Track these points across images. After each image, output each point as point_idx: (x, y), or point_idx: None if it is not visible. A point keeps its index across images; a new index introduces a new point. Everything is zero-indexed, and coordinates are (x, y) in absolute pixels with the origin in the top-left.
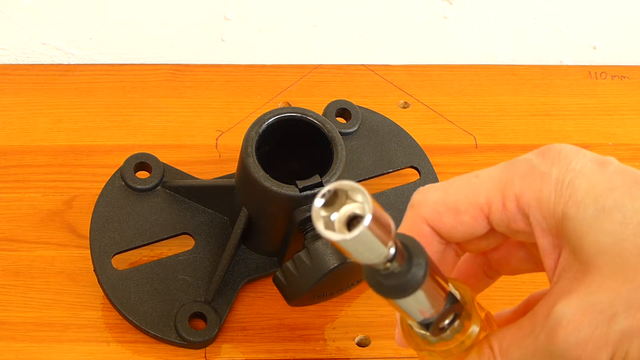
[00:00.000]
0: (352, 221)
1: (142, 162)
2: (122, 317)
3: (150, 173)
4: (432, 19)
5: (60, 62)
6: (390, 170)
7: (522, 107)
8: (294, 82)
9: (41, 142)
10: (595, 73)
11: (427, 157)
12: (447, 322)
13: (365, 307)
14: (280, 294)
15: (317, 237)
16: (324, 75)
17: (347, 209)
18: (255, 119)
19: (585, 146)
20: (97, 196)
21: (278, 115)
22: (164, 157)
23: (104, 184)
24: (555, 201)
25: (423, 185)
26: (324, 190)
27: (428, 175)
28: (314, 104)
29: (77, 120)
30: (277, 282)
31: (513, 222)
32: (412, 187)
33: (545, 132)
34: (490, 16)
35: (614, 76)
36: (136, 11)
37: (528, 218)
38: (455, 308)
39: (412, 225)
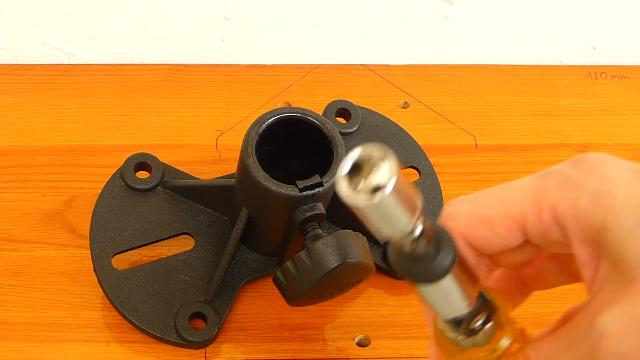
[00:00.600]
0: (377, 191)
1: (142, 162)
2: (122, 317)
3: (150, 173)
4: (432, 19)
5: (60, 62)
6: None
7: (522, 107)
8: (294, 82)
9: (41, 142)
10: (595, 73)
11: (427, 157)
12: (479, 323)
13: (365, 307)
14: (280, 294)
15: (317, 237)
16: (324, 75)
17: (373, 178)
18: (255, 119)
19: (586, 146)
20: (97, 196)
21: (278, 115)
22: (164, 157)
23: (104, 184)
24: (592, 212)
25: (423, 185)
26: (350, 157)
27: (428, 176)
28: (314, 104)
29: (77, 120)
30: (277, 282)
31: (549, 234)
32: None
33: (545, 132)
34: (490, 16)
35: (614, 76)
36: (136, 11)
37: (564, 229)
38: (487, 308)
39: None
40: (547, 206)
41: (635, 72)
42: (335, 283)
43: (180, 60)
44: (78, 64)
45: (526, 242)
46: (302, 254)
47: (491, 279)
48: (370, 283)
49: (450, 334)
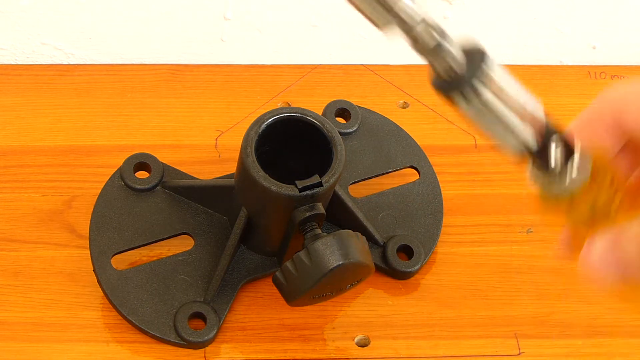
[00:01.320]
0: None
1: (141, 162)
2: (121, 317)
3: (149, 173)
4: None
5: (60, 62)
6: (390, 170)
7: None
8: (293, 82)
9: (41, 142)
10: (595, 73)
11: (426, 157)
12: (558, 150)
13: (365, 307)
14: (280, 294)
15: (317, 237)
16: (323, 75)
17: None
18: (255, 119)
19: None
20: (97, 196)
21: (278, 115)
22: (164, 157)
23: (104, 184)
24: None
25: (423, 185)
26: None
27: (428, 175)
28: (314, 104)
29: (77, 120)
30: (277, 282)
31: None
32: (412, 187)
33: None
34: (490, 16)
35: (614, 76)
36: (136, 11)
37: None
38: (558, 131)
39: (595, 112)
40: None
41: (635, 72)
42: (335, 283)
43: (180, 60)
44: (77, 64)
45: None
46: (302, 254)
47: (630, 180)
48: (370, 283)
49: (542, 179)
